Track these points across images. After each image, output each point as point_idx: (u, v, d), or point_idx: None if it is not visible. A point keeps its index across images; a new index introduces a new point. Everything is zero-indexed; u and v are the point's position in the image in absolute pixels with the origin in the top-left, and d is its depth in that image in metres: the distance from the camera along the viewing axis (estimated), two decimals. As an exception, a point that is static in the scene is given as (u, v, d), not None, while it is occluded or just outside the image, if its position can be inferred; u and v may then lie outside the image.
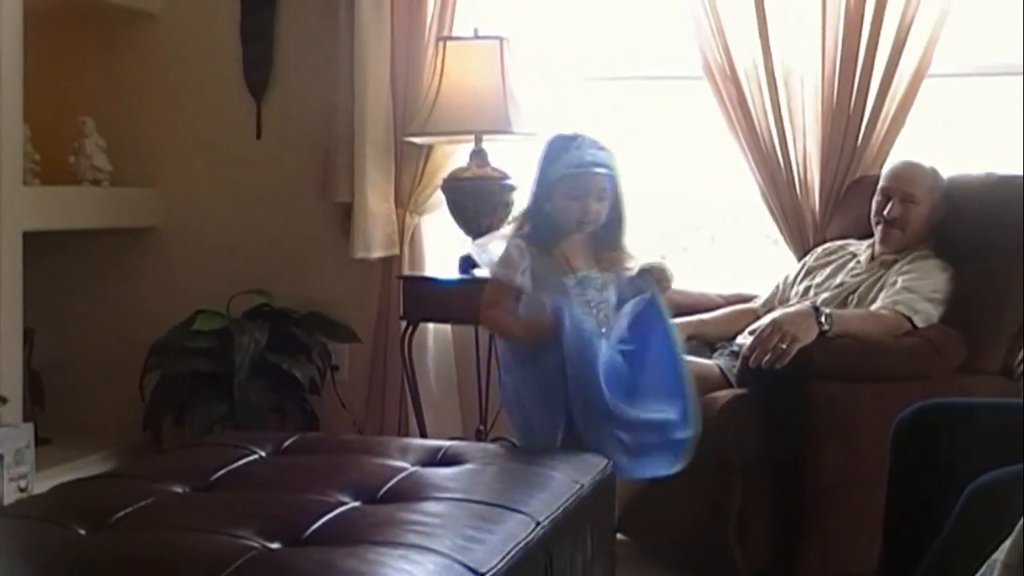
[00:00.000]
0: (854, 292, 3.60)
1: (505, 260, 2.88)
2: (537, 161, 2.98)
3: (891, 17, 4.00)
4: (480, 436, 4.09)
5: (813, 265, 3.82)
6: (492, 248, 2.95)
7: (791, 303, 3.70)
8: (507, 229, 3.06)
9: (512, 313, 2.88)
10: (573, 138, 2.92)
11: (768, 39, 4.07)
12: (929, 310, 3.43)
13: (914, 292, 3.44)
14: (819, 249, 3.90)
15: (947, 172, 3.70)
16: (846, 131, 4.02)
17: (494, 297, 2.92)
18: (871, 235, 3.70)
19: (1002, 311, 3.48)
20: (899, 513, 2.60)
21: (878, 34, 4.01)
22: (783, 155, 4.09)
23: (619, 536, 3.19)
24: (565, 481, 2.41)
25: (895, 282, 3.49)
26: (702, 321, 3.74)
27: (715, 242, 4.72)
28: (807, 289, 3.74)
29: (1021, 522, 2.07)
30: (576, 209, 2.89)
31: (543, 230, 2.93)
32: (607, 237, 2.96)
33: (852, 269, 3.69)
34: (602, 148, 2.91)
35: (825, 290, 3.66)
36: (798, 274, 3.85)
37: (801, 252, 4.03)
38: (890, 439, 2.63)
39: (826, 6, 4.04)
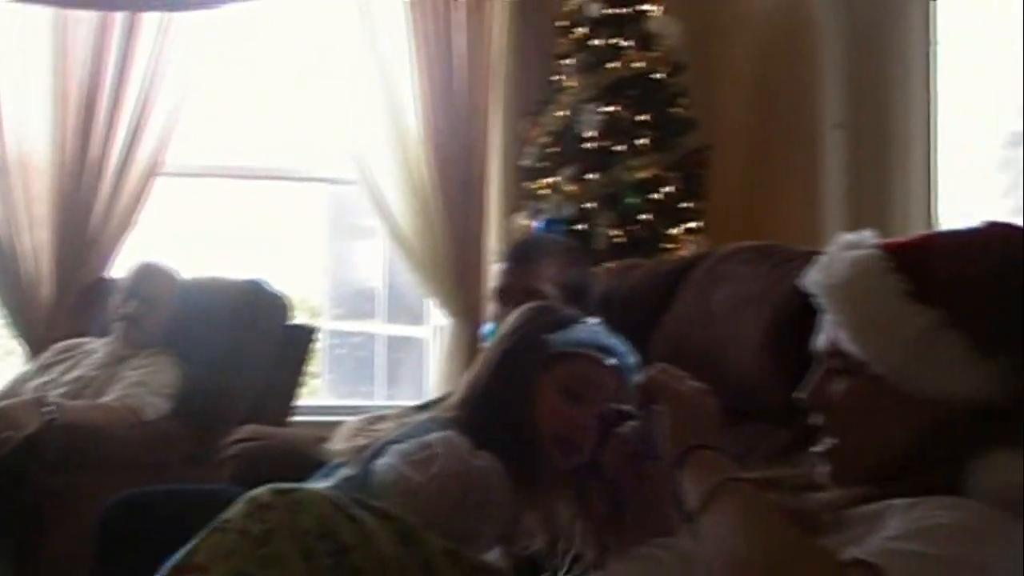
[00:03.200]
0: (89, 386, 3.65)
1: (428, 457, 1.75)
2: None
3: (127, 112, 4.14)
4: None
5: (51, 361, 3.81)
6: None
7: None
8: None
9: None
10: None
11: (1, 123, 4.01)
12: (159, 403, 3.58)
13: (145, 386, 3.57)
14: (58, 346, 3.89)
15: (183, 270, 3.88)
16: (79, 224, 4.07)
17: None
18: (110, 334, 3.78)
19: (229, 402, 3.72)
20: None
21: (114, 127, 4.12)
22: (14, 247, 4.05)
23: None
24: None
25: (128, 376, 3.60)
26: None
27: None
28: (44, 384, 3.70)
29: None
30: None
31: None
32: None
33: (89, 364, 3.73)
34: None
35: (62, 385, 3.67)
36: (35, 370, 3.81)
37: (36, 348, 4.02)
38: (97, 525, 2.64)
39: (66, 92, 4.06)
